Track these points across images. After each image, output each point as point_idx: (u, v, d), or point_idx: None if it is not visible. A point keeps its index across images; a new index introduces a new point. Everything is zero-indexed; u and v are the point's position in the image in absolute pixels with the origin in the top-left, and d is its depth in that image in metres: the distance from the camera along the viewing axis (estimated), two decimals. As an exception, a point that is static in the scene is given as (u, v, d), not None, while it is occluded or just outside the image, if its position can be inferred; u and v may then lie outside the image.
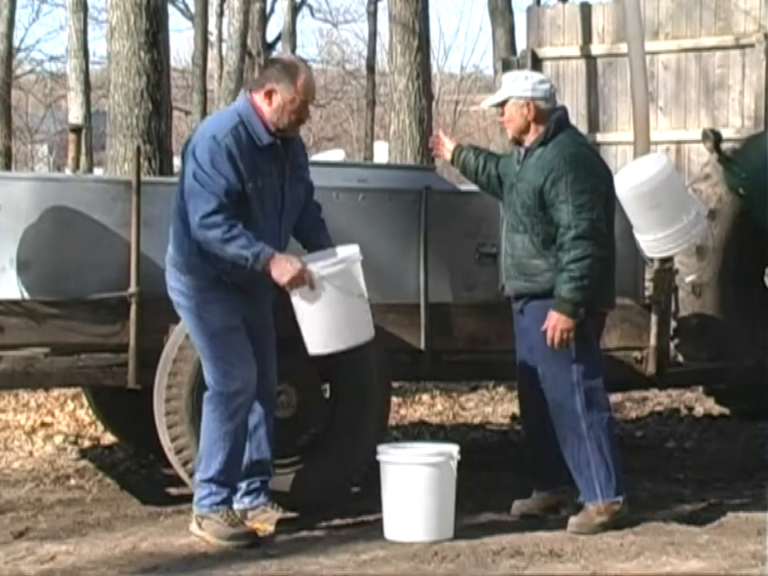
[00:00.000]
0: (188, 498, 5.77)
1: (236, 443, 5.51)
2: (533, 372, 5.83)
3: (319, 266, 5.31)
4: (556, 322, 5.62)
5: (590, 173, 5.70)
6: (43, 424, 8.00)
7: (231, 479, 5.54)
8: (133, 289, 5.80)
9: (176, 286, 5.50)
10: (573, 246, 5.59)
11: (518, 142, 5.83)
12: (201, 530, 5.50)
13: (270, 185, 5.40)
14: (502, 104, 5.83)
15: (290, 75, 5.39)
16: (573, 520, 5.72)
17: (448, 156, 6.11)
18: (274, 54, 5.40)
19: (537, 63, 10.08)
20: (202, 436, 5.54)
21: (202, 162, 5.31)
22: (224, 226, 5.27)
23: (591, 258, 5.60)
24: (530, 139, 5.78)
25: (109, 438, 7.55)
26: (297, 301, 5.35)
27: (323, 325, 5.33)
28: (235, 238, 5.28)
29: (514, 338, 5.99)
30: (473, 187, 6.27)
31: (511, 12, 18.39)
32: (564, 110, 5.91)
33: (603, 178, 5.78)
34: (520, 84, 5.79)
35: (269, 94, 5.39)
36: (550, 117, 5.77)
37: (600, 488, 5.72)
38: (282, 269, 5.28)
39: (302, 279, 5.29)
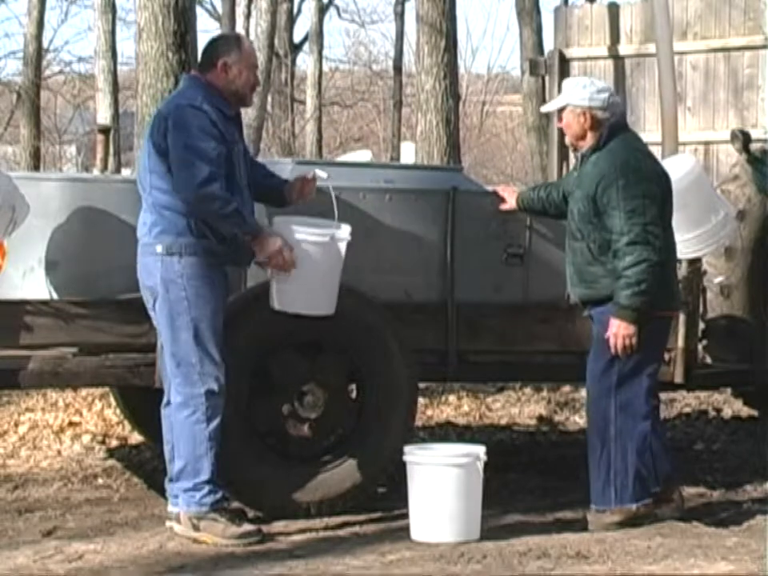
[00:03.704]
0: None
1: (218, 443, 5.46)
2: None
3: (308, 232, 5.50)
4: (617, 329, 5.64)
5: (642, 177, 5.69)
6: (71, 423, 8.01)
7: (218, 480, 5.50)
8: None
9: (166, 275, 5.43)
10: (627, 251, 5.61)
11: (575, 148, 5.91)
12: (197, 531, 5.42)
13: (238, 151, 5.58)
14: (561, 110, 5.90)
15: (237, 44, 5.67)
16: (586, 516, 5.77)
17: (514, 206, 6.17)
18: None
19: (564, 64, 10.05)
20: (182, 442, 5.44)
21: (188, 128, 5.40)
22: (220, 200, 5.38)
23: (647, 263, 5.60)
24: (586, 145, 5.84)
25: (136, 438, 7.57)
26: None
27: (294, 286, 5.50)
28: (231, 215, 5.39)
29: (541, 339, 6.12)
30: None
31: (539, 12, 18.36)
32: (619, 115, 5.90)
33: (657, 181, 5.76)
34: (578, 92, 5.82)
35: (224, 68, 5.57)
36: (606, 124, 5.79)
37: (614, 494, 5.72)
38: (265, 245, 5.43)
39: (281, 258, 5.43)
